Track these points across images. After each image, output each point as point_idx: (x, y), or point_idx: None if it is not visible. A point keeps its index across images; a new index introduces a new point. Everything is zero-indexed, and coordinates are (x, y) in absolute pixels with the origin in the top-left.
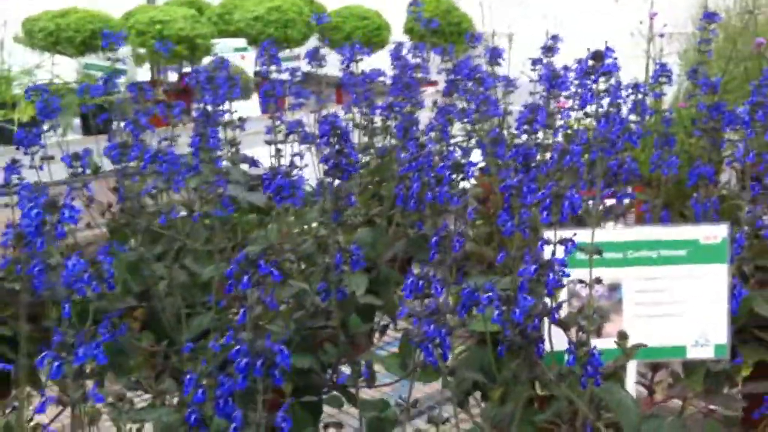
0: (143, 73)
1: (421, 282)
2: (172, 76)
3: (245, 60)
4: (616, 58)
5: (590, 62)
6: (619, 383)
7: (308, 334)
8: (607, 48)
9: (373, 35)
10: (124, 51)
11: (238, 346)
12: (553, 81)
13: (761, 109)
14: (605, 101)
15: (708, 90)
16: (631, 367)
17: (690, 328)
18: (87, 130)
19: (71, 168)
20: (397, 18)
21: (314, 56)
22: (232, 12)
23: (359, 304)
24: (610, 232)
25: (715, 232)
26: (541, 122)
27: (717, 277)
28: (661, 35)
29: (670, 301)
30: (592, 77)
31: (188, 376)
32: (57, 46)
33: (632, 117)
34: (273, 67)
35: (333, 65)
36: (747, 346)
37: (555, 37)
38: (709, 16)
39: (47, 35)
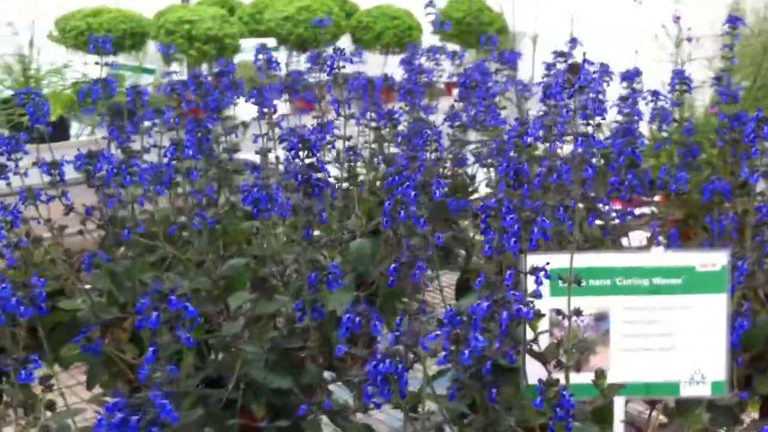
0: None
1: (358, 318)
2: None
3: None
4: (597, 71)
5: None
6: (604, 422)
7: (284, 354)
8: (585, 60)
9: (404, 35)
10: (154, 51)
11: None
12: (546, 91)
13: None
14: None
15: (728, 99)
16: (619, 404)
17: (684, 363)
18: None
19: (49, 176)
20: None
21: (315, 60)
22: (262, 11)
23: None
24: (598, 257)
25: (714, 260)
26: (532, 134)
27: (715, 308)
28: (689, 39)
29: (662, 334)
30: (568, 91)
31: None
32: (88, 45)
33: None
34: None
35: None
36: (765, 376)
37: (574, 41)
38: (733, 21)
39: (79, 34)
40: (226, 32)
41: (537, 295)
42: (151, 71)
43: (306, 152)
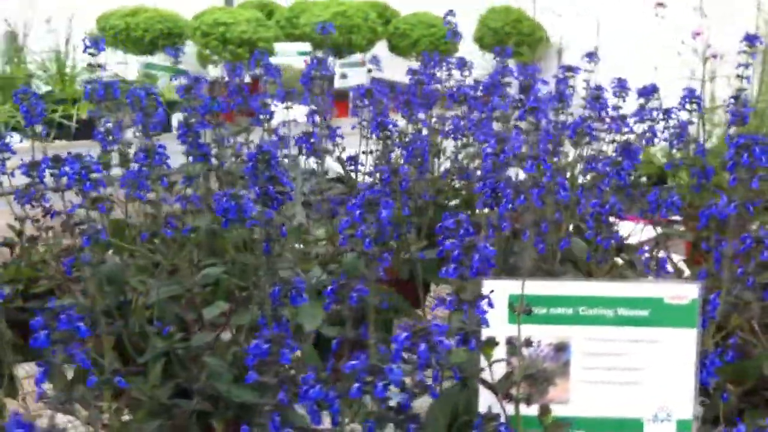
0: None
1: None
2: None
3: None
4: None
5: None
6: None
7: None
8: (542, 81)
9: (440, 43)
10: (190, 52)
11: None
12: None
13: None
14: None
15: (737, 120)
16: None
17: (649, 400)
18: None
19: (29, 177)
20: (467, 26)
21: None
22: (299, 16)
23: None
24: (560, 285)
25: (684, 292)
26: (509, 153)
27: (684, 343)
28: (714, 56)
29: (626, 368)
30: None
31: None
32: (126, 44)
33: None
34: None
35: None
36: (757, 411)
37: (591, 55)
38: (751, 39)
39: (117, 33)
40: (260, 36)
41: (483, 323)
42: (183, 72)
43: (264, 165)
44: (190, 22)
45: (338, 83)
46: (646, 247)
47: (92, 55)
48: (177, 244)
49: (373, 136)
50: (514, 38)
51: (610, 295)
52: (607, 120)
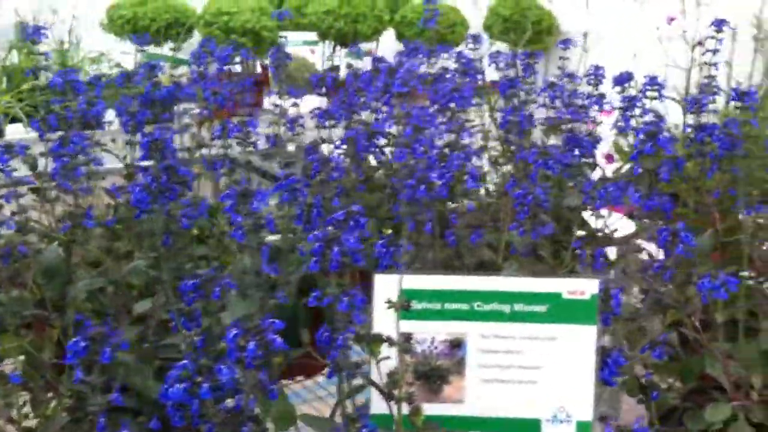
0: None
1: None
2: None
3: (315, 54)
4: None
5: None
6: None
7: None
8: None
9: (447, 32)
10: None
11: None
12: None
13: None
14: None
15: (694, 108)
16: None
17: (547, 400)
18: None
19: None
20: (475, 14)
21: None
22: (307, 4)
23: None
24: (455, 280)
25: (583, 287)
26: (424, 142)
27: (583, 341)
28: (700, 42)
29: (523, 366)
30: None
31: None
32: (133, 34)
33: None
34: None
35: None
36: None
37: (566, 41)
38: (718, 24)
39: (125, 23)
40: (263, 25)
41: (356, 320)
42: (186, 62)
43: (160, 153)
44: (198, 12)
45: (344, 73)
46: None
47: None
48: (100, 235)
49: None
50: (523, 26)
51: (506, 290)
52: (562, 108)
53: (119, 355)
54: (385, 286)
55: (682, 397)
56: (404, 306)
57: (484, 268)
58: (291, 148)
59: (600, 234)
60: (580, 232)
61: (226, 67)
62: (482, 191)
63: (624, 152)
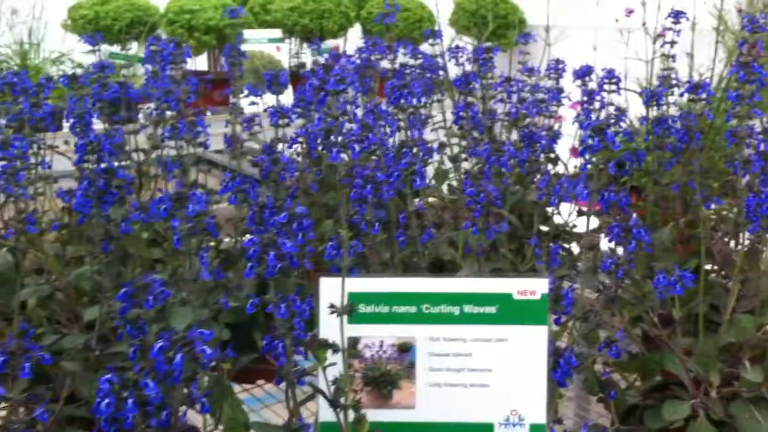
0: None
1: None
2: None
3: (280, 51)
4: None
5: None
6: None
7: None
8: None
9: (414, 27)
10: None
11: None
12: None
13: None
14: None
15: (651, 101)
16: None
17: (499, 403)
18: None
19: None
20: (443, 9)
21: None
22: (272, 1)
23: None
24: (402, 282)
25: (533, 287)
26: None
27: (534, 342)
28: (660, 35)
29: (474, 369)
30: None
31: None
32: (96, 33)
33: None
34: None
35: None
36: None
37: (526, 36)
38: (675, 15)
39: (87, 23)
40: (227, 23)
41: (298, 326)
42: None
43: (96, 156)
44: (160, 10)
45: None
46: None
47: None
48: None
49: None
50: (489, 21)
51: (455, 292)
52: (517, 104)
53: (66, 365)
54: (331, 289)
55: (643, 395)
56: (347, 310)
57: (443, 267)
58: (255, 146)
59: (562, 230)
60: (544, 228)
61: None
62: (444, 188)
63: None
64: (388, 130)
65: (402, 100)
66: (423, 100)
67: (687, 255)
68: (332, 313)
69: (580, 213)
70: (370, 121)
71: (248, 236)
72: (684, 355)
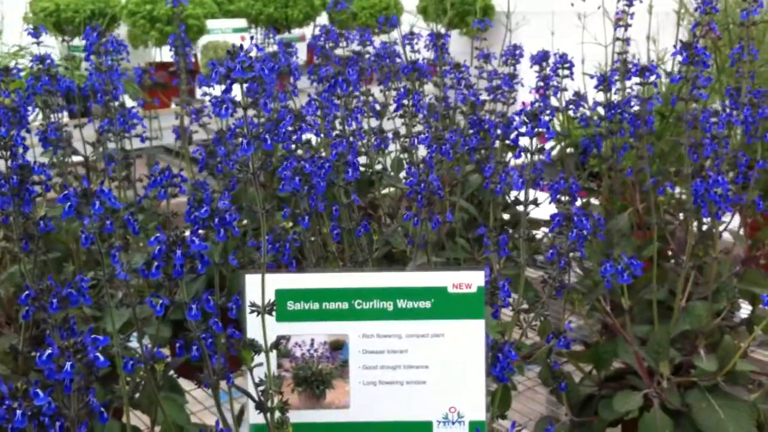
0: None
1: None
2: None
3: (245, 41)
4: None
5: None
6: None
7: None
8: None
9: (379, 16)
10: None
11: None
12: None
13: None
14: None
15: (601, 86)
16: None
17: (437, 401)
18: (71, 112)
19: None
20: None
21: None
22: None
23: None
24: (332, 277)
25: (468, 279)
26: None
27: (471, 336)
28: (619, 17)
29: (410, 365)
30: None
31: None
32: (57, 26)
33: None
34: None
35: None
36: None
37: (482, 23)
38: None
39: (47, 15)
40: (188, 13)
41: (215, 327)
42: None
43: (9, 152)
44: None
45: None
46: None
47: None
48: None
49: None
50: (458, 8)
51: (387, 286)
52: (463, 91)
53: None
54: (257, 287)
55: (599, 385)
56: (269, 308)
57: (395, 261)
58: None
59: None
60: (506, 215)
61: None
62: (402, 175)
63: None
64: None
65: (338, 89)
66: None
67: (645, 241)
68: (252, 312)
69: (532, 202)
70: (308, 111)
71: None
72: (640, 344)
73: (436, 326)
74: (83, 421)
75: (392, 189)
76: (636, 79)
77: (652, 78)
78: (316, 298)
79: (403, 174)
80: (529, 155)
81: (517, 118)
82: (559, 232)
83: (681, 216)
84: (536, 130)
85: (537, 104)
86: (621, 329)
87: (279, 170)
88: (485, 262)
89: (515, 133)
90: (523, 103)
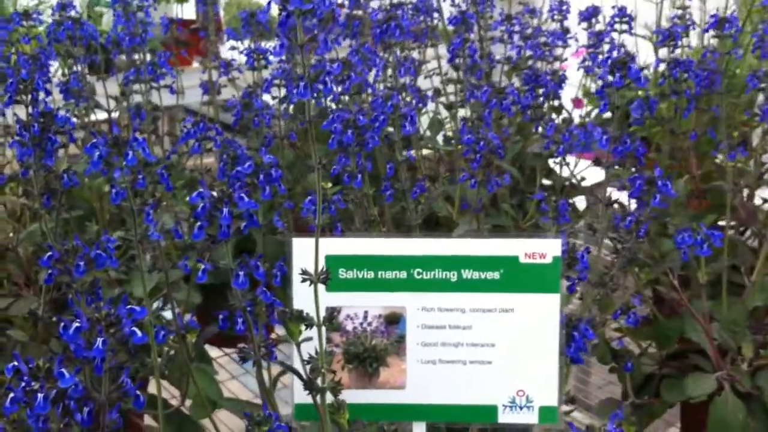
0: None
1: None
2: None
3: None
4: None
5: None
6: None
7: None
8: None
9: None
10: None
11: None
12: None
13: None
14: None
15: (667, 41)
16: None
17: (504, 383)
18: (92, 66)
19: None
20: None
21: None
22: None
23: None
24: (389, 243)
25: (543, 248)
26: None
27: (545, 312)
28: None
29: (474, 343)
30: None
31: None
32: None
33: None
34: None
35: None
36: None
37: None
38: None
39: None
40: None
41: (263, 297)
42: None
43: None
44: None
45: None
46: None
47: None
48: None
49: None
50: None
51: (452, 254)
52: (517, 42)
53: (13, 333)
54: (305, 252)
55: (659, 364)
56: (323, 277)
57: (438, 225)
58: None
59: (566, 183)
60: (547, 182)
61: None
62: (439, 139)
63: (593, 96)
64: (373, 71)
65: (389, 36)
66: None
67: (702, 210)
68: (305, 280)
69: (596, 162)
70: (353, 59)
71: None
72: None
73: (505, 300)
74: (115, 405)
75: (425, 151)
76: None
77: (732, 31)
78: (372, 265)
79: (440, 137)
80: (616, 109)
81: (587, 79)
82: (639, 197)
83: (742, 185)
84: (625, 81)
85: (586, 63)
86: (689, 305)
87: (326, 123)
88: (531, 230)
89: (601, 84)
90: (562, 61)
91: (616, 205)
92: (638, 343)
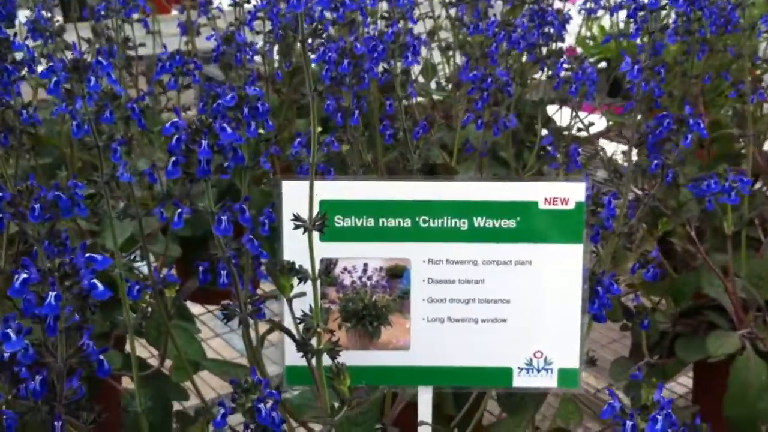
0: None
1: None
2: None
3: None
4: None
5: None
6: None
7: None
8: None
9: None
10: None
11: None
12: None
13: None
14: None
15: None
16: (425, 399)
17: (519, 343)
18: (65, 13)
19: None
20: None
21: None
22: None
23: None
24: (391, 187)
25: (565, 192)
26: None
27: (566, 265)
28: None
29: (487, 299)
30: None
31: None
32: None
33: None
34: None
35: None
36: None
37: None
38: None
39: None
40: None
41: (250, 247)
42: None
43: None
44: None
45: None
46: None
47: None
48: None
49: None
50: None
51: (462, 200)
52: None
53: None
54: (297, 196)
55: (673, 321)
56: (319, 224)
57: (434, 174)
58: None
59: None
60: (544, 131)
61: None
62: (433, 85)
63: (588, 46)
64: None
65: None
66: None
67: (711, 159)
68: (297, 227)
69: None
70: None
71: None
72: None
73: (522, 251)
74: (75, 372)
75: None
76: None
77: None
78: (372, 212)
79: (434, 83)
80: (649, 36)
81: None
82: (667, 139)
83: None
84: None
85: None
86: (707, 258)
87: (320, 54)
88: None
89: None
90: None
91: (618, 155)
92: (650, 300)
